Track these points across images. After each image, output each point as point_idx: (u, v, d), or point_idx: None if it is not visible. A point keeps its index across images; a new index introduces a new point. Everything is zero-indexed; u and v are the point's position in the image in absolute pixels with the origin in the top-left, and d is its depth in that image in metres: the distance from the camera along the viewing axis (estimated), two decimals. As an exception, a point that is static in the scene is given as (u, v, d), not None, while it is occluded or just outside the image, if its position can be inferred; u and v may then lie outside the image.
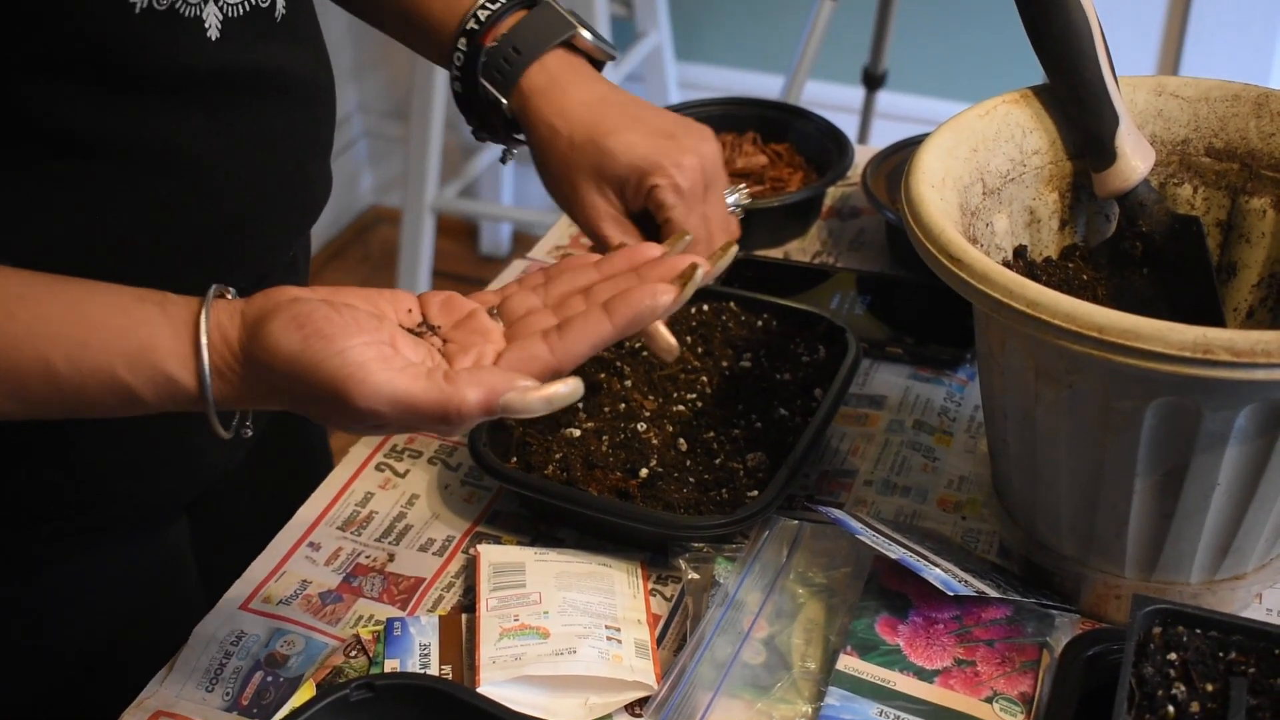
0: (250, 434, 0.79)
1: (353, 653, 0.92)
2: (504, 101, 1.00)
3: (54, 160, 0.84)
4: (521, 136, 1.03)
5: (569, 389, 0.72)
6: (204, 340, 0.74)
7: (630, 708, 0.88)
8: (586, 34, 1.00)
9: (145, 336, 0.74)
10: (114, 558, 1.02)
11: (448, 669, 0.90)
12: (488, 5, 0.99)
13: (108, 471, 0.97)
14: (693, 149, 0.97)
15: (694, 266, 0.76)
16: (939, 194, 0.88)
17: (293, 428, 1.18)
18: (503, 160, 1.08)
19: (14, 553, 0.96)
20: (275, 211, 0.96)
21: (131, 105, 0.84)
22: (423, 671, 0.89)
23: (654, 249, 0.82)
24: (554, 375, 0.75)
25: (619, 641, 0.90)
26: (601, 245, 0.98)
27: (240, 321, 0.75)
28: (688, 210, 0.96)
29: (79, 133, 0.83)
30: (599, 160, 0.96)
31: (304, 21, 0.96)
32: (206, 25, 0.86)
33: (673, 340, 0.85)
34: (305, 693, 0.89)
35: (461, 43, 1.00)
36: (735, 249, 0.81)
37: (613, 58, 1.03)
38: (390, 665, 0.90)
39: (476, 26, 0.99)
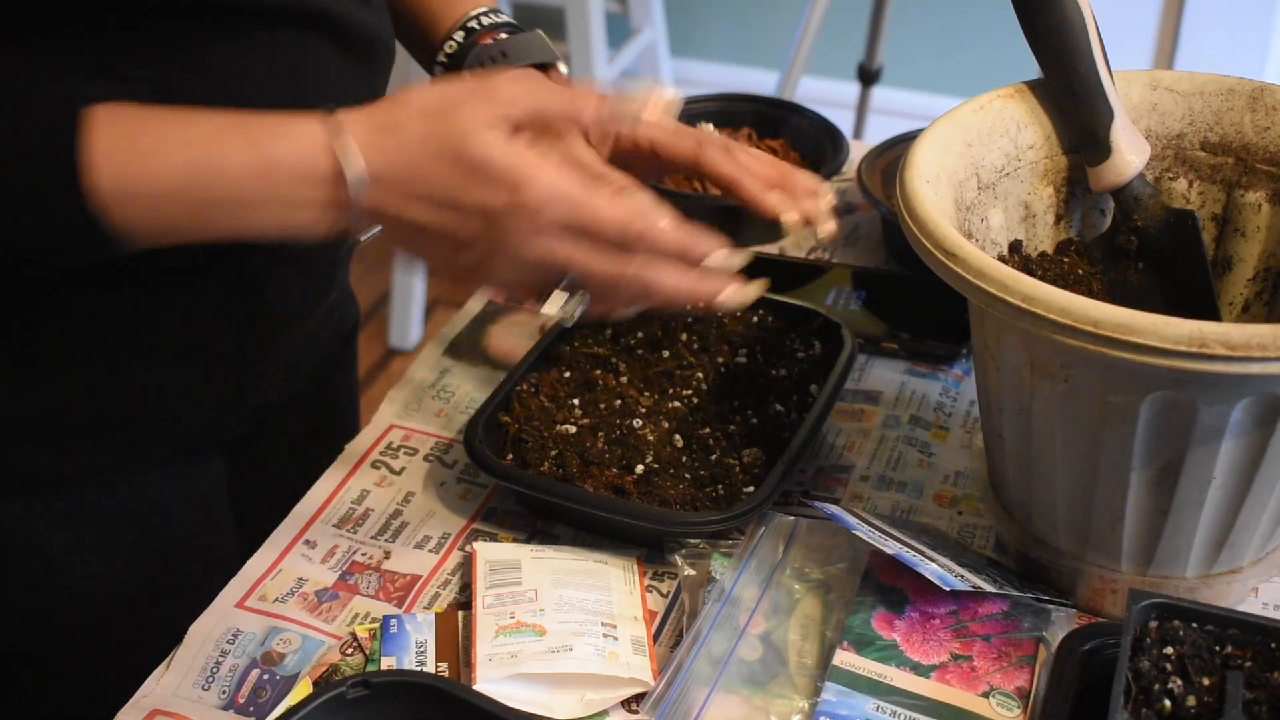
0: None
1: (349, 650, 0.92)
2: None
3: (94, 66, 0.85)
4: None
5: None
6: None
7: (627, 704, 0.88)
8: (564, 69, 1.07)
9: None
10: (148, 490, 1.02)
11: (444, 666, 0.89)
12: (494, 15, 1.07)
13: (149, 393, 0.98)
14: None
15: None
16: (934, 189, 0.88)
17: (331, 370, 1.19)
18: None
19: (48, 468, 0.97)
20: None
21: (178, 22, 0.86)
22: (419, 669, 0.89)
23: None
24: None
25: (615, 638, 0.90)
26: None
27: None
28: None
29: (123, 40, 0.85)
30: None
31: None
32: None
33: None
34: (301, 690, 0.88)
35: (459, 35, 1.06)
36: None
37: None
38: (387, 663, 0.90)
39: (478, 26, 1.06)
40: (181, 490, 1.05)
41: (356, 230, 0.84)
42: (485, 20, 1.07)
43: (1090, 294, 0.94)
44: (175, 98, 0.87)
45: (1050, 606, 0.90)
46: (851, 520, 0.92)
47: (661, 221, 0.84)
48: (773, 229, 1.00)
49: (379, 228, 0.84)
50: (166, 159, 0.79)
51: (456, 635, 0.92)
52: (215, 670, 0.91)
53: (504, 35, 1.07)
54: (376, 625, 0.93)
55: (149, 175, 0.79)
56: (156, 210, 0.80)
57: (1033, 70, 0.97)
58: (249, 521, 1.01)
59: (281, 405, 1.11)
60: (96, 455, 0.98)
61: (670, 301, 0.85)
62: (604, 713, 0.87)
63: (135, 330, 0.95)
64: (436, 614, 0.93)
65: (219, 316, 0.98)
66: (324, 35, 0.95)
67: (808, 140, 1.38)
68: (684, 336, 1.12)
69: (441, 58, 1.07)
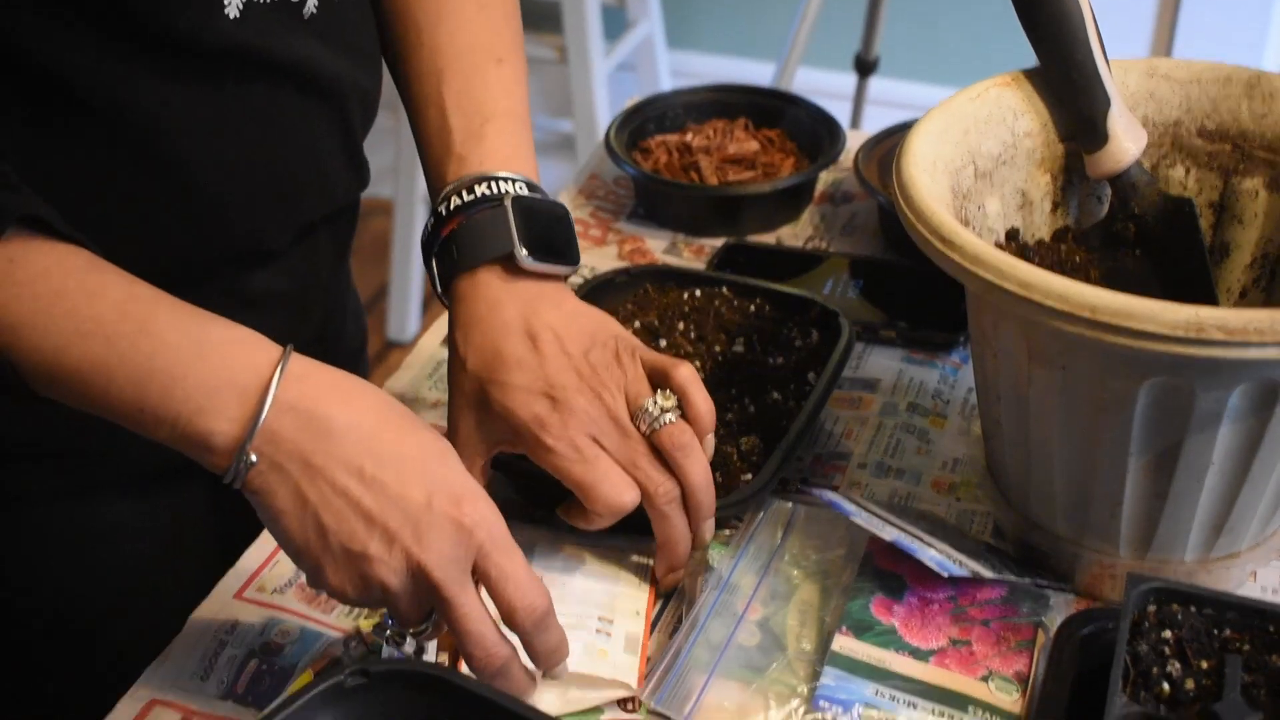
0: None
1: (352, 644, 0.92)
2: (439, 293, 0.97)
3: (35, 104, 0.84)
4: None
5: None
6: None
7: (623, 703, 0.87)
8: (525, 254, 0.93)
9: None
10: (124, 511, 1.02)
11: (444, 657, 0.89)
12: (463, 193, 0.95)
13: (96, 422, 0.97)
14: (573, 411, 0.89)
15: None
16: (930, 177, 0.88)
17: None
18: None
19: (18, 491, 0.97)
20: (266, 195, 0.96)
21: (130, 63, 0.85)
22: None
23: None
24: None
25: (609, 634, 0.89)
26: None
27: None
28: (583, 465, 0.89)
29: (68, 77, 0.83)
30: (482, 408, 0.92)
31: (340, 24, 0.96)
32: (226, 4, 0.86)
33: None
34: (303, 681, 0.88)
35: (431, 220, 0.97)
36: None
37: (561, 276, 0.96)
38: (388, 652, 0.89)
39: (444, 213, 0.96)
40: (147, 512, 1.04)
41: None
42: (455, 201, 0.95)
43: (1087, 281, 0.94)
44: (133, 145, 0.87)
45: (1049, 591, 0.91)
46: (849, 507, 0.92)
47: (553, 622, 0.82)
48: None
49: None
50: (67, 349, 0.76)
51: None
52: (214, 660, 0.91)
53: (464, 219, 0.95)
54: (380, 617, 0.93)
55: (44, 352, 0.76)
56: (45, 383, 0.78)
57: (1029, 60, 0.97)
58: (238, 542, 1.00)
59: None
60: (47, 477, 0.98)
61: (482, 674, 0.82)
62: (599, 709, 0.87)
63: None
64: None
65: None
66: (280, 83, 0.93)
67: (804, 130, 1.38)
68: (681, 325, 1.12)
69: (422, 239, 0.98)
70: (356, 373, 1.21)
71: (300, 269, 1.04)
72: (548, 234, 0.96)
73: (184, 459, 0.90)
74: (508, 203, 0.94)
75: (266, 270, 1.00)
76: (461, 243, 0.95)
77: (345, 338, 1.19)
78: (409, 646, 0.83)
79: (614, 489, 0.88)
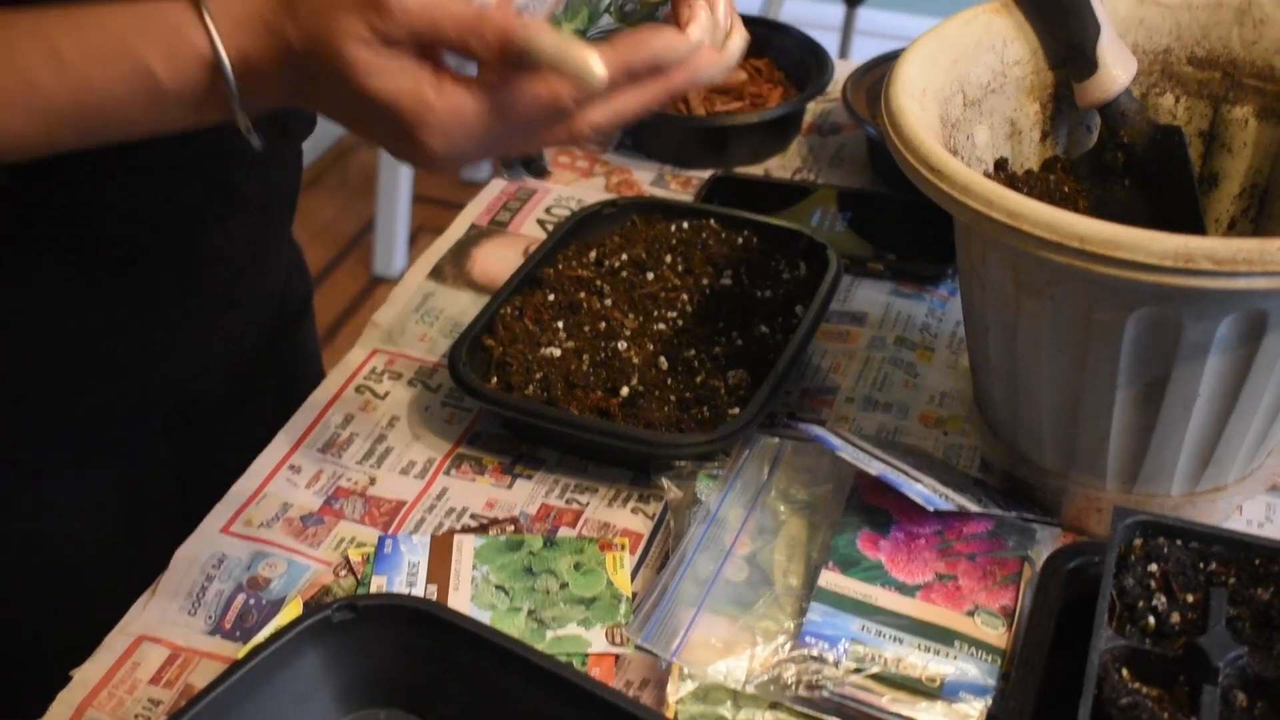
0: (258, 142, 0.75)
1: (341, 573, 0.92)
2: None
3: None
4: None
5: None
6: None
7: (609, 632, 0.88)
8: None
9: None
10: (85, 478, 1.02)
11: (433, 589, 0.89)
12: None
13: (60, 387, 0.97)
14: None
15: None
16: (919, 105, 0.87)
17: (285, 345, 1.18)
18: None
19: None
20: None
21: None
22: (408, 591, 0.89)
23: None
24: None
25: None
26: None
27: None
28: None
29: None
30: None
31: None
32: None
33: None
34: (291, 611, 0.88)
35: None
36: None
37: None
38: (377, 582, 0.89)
39: None
40: (122, 475, 1.04)
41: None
42: None
43: (1076, 212, 0.93)
44: None
45: (1035, 525, 0.91)
46: (836, 441, 0.91)
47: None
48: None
49: None
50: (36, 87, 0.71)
51: (450, 558, 0.91)
52: (201, 595, 0.91)
53: None
54: (368, 549, 0.93)
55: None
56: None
57: (1019, -15, 0.95)
58: (201, 501, 1.00)
59: (228, 386, 1.10)
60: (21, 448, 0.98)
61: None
62: (588, 641, 0.87)
63: (28, 329, 0.94)
64: (432, 536, 0.93)
65: (124, 315, 0.97)
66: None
67: (792, 59, 1.37)
68: (668, 259, 1.11)
69: None
70: (303, 325, 1.21)
71: (259, 220, 1.04)
72: None
73: (117, 431, 0.90)
74: None
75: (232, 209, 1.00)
76: None
77: (292, 290, 1.18)
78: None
79: None
